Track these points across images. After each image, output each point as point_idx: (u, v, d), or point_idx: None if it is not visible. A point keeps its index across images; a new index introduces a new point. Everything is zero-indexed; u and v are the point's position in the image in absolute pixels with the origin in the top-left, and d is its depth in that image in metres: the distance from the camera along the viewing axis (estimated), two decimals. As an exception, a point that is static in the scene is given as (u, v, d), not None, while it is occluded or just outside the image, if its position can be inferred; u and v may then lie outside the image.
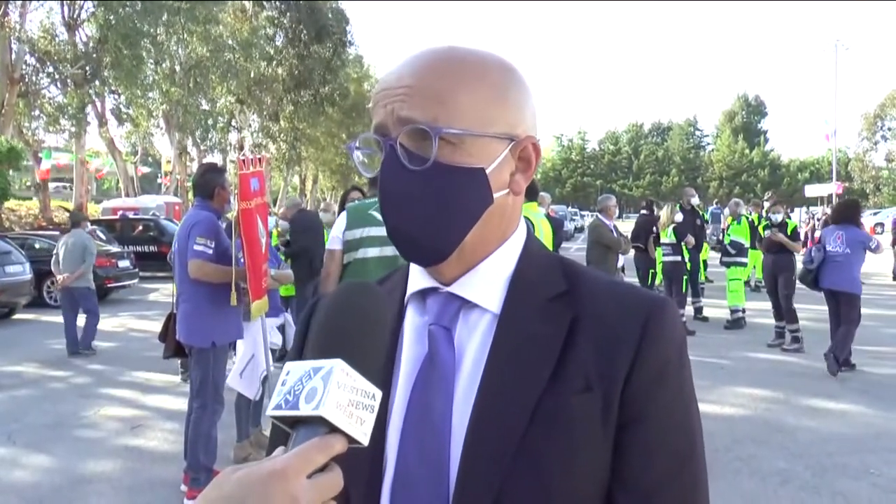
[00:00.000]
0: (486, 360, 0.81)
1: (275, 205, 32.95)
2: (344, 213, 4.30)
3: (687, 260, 10.53)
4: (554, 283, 0.86)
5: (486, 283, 0.85)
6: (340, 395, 0.65)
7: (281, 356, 6.36)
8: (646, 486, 0.79)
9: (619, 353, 0.80)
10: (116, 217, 22.08)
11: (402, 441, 0.81)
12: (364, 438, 0.66)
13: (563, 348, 0.80)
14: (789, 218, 9.69)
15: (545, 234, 5.14)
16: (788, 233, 9.22)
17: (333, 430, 0.65)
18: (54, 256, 9.65)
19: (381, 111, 0.82)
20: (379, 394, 0.68)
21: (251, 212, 4.57)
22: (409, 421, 0.81)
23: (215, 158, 35.71)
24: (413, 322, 0.88)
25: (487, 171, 0.82)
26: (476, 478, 0.77)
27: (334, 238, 4.20)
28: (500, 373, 0.80)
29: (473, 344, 0.83)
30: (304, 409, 0.64)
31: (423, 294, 0.88)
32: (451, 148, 0.80)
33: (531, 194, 5.16)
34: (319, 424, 0.65)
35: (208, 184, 4.55)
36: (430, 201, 0.81)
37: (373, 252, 4.02)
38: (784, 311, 9.10)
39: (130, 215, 22.13)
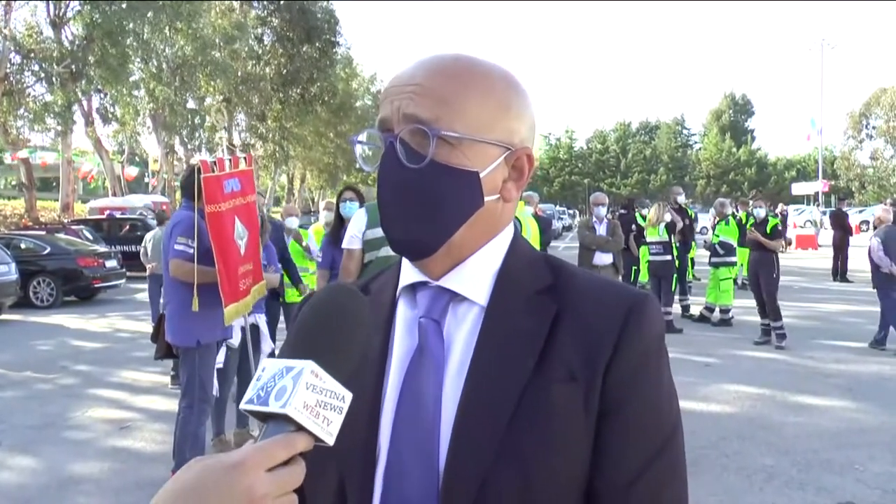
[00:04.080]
0: (473, 352, 0.84)
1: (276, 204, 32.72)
2: (363, 211, 4.29)
3: (675, 258, 10.60)
4: (539, 278, 0.89)
5: (474, 277, 0.88)
6: (308, 395, 0.67)
7: (269, 356, 6.33)
8: (623, 473, 0.81)
9: (601, 344, 0.82)
10: (104, 217, 21.96)
11: (394, 431, 0.84)
12: (329, 438, 0.69)
13: (548, 340, 0.83)
14: (775, 216, 9.80)
15: (532, 233, 5.17)
16: (768, 230, 9.34)
17: (300, 428, 0.67)
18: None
19: (388, 107, 0.86)
20: (349, 396, 0.70)
21: (220, 215, 4.49)
22: (401, 411, 0.84)
23: (203, 158, 35.47)
24: (404, 315, 0.91)
25: (481, 176, 0.85)
26: (463, 466, 0.79)
27: (353, 237, 4.19)
28: (487, 364, 0.83)
29: (461, 336, 0.86)
30: (273, 406, 0.67)
31: (414, 288, 0.91)
32: (448, 148, 0.83)
33: None
34: (287, 422, 0.67)
35: (192, 185, 4.53)
36: (423, 198, 0.84)
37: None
38: (768, 309, 9.19)
39: (118, 215, 22.01)
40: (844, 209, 18.71)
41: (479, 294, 0.87)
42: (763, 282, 9.25)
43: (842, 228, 17.18)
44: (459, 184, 0.84)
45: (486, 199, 0.86)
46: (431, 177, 0.83)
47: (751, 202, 15.39)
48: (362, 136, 0.92)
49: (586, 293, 0.87)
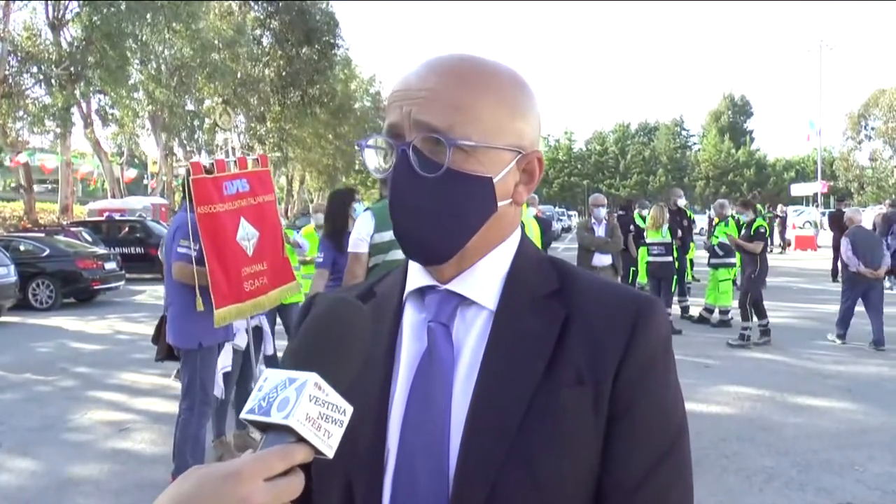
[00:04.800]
0: (482, 356, 0.84)
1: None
2: (368, 214, 4.28)
3: (675, 259, 10.61)
4: (547, 281, 0.89)
5: (483, 280, 0.88)
6: (311, 407, 0.67)
7: (269, 358, 6.32)
8: (631, 475, 0.81)
9: (610, 348, 0.83)
10: (103, 218, 21.95)
11: (402, 434, 0.84)
12: (329, 451, 0.69)
13: (557, 344, 0.83)
14: (765, 217, 9.93)
15: (534, 235, 5.15)
16: (752, 232, 9.58)
17: (301, 439, 0.67)
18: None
19: (397, 112, 0.84)
20: (350, 409, 0.71)
21: (216, 216, 4.49)
22: (410, 415, 0.84)
23: (202, 159, 35.44)
24: (412, 319, 0.91)
25: (495, 181, 0.85)
26: (473, 469, 0.79)
27: (360, 240, 4.18)
28: (496, 367, 0.83)
29: (471, 340, 0.86)
30: (275, 417, 0.67)
31: (422, 292, 0.91)
32: (463, 155, 0.83)
33: None
34: (287, 433, 0.67)
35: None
36: (439, 206, 0.83)
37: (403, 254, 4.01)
38: (739, 306, 9.43)
39: (117, 217, 22.00)
40: (843, 210, 18.67)
41: (488, 298, 0.87)
42: (742, 281, 9.53)
43: (840, 229, 17.17)
44: (475, 191, 0.84)
45: (499, 203, 0.86)
46: (447, 185, 0.82)
47: (736, 208, 15.48)
48: (371, 141, 0.90)
49: (593, 297, 0.87)
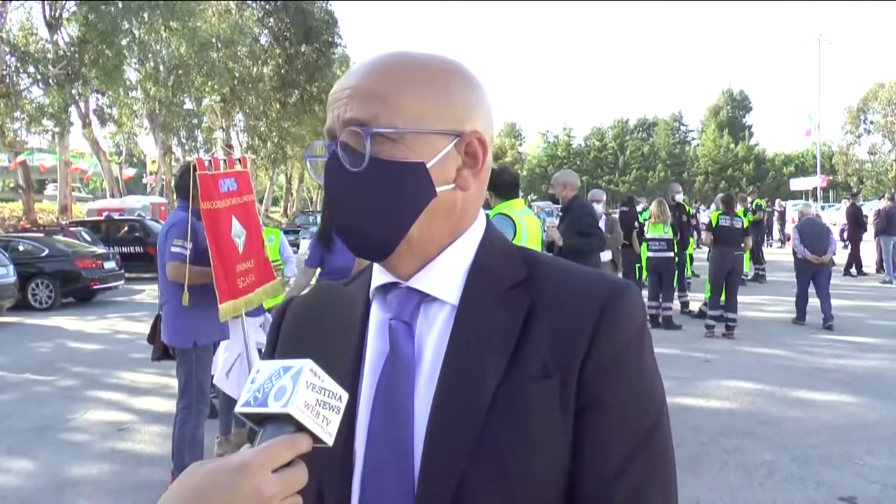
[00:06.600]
0: (444, 353, 0.82)
1: (261, 203, 32.69)
2: None
3: (675, 255, 10.61)
4: (513, 272, 0.87)
5: (444, 275, 0.86)
6: (308, 394, 0.66)
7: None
8: (604, 469, 0.79)
9: (576, 337, 0.80)
10: (102, 218, 21.95)
11: (369, 436, 0.82)
12: (329, 439, 0.67)
13: (521, 335, 0.81)
14: (723, 215, 9.87)
15: (531, 233, 4.93)
16: (714, 226, 9.78)
17: (300, 428, 0.66)
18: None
19: (330, 117, 0.86)
20: (345, 395, 0.69)
21: (217, 212, 4.50)
22: (375, 416, 0.83)
23: (198, 157, 35.42)
24: (377, 318, 0.89)
25: (428, 166, 0.83)
26: (438, 468, 0.78)
27: None
28: (459, 364, 0.81)
29: (433, 337, 0.84)
30: (273, 407, 0.65)
31: (385, 290, 0.89)
32: (390, 144, 0.82)
33: (511, 191, 5.05)
34: (286, 422, 0.66)
35: (186, 185, 4.52)
36: (370, 197, 0.83)
37: None
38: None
39: (116, 216, 22.00)
40: (858, 205, 18.70)
41: (450, 293, 0.85)
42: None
43: (857, 225, 17.28)
44: (405, 177, 0.82)
45: (438, 189, 0.84)
46: (375, 175, 0.81)
47: (748, 199, 15.43)
48: (310, 151, 0.91)
49: (562, 284, 0.85)
